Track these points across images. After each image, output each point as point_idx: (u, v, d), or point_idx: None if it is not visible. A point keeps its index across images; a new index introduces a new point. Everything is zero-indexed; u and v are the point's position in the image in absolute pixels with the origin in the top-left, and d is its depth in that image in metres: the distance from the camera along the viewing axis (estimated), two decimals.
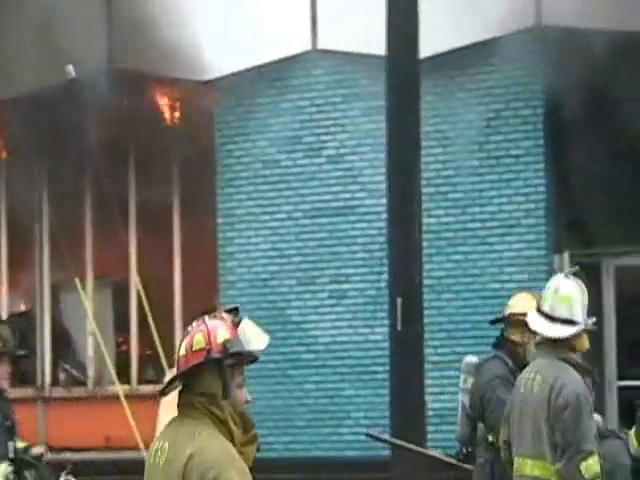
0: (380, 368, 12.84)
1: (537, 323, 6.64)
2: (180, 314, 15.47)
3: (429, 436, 11.43)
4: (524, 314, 7.94)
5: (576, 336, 6.44)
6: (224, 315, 4.89)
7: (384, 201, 11.51)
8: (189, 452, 4.51)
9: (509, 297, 13.35)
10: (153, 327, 14.29)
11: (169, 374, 13.73)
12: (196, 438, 4.55)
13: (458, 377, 13.32)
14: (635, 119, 12.27)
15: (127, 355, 15.71)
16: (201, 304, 15.59)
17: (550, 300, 6.61)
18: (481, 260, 13.73)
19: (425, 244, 11.67)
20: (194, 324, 4.74)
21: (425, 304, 11.63)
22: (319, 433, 14.42)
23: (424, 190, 11.49)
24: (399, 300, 11.61)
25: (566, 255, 13.74)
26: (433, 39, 12.40)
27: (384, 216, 11.60)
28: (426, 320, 11.67)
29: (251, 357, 4.80)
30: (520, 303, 8.68)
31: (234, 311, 4.83)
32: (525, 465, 6.36)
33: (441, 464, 10.04)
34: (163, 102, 14.76)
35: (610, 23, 12.50)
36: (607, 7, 12.74)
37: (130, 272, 15.33)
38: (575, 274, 6.79)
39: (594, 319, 6.70)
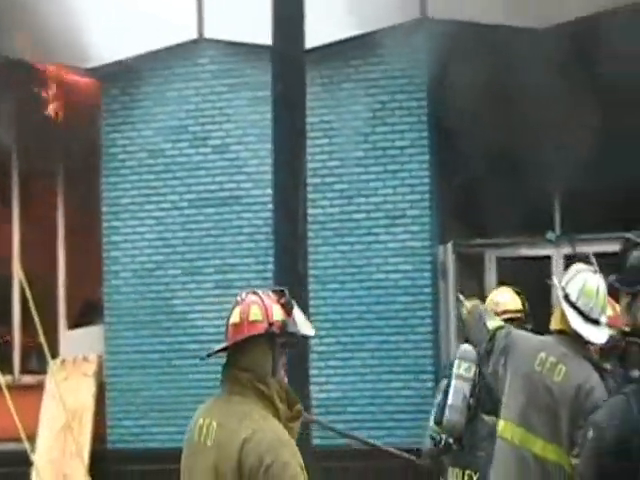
0: None
1: (577, 323, 6.53)
2: (64, 304, 15.26)
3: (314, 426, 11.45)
4: (518, 310, 8.14)
5: None
6: (270, 294, 4.85)
7: (270, 191, 11.49)
8: (243, 436, 4.47)
9: (394, 287, 13.71)
10: (36, 317, 14.08)
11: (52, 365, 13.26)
12: (247, 419, 4.50)
13: (342, 367, 13.46)
14: (519, 111, 12.47)
15: (10, 346, 15.47)
16: (85, 294, 15.62)
17: (594, 300, 6.51)
18: (366, 251, 13.74)
19: (311, 235, 11.67)
20: (243, 294, 4.63)
21: (310, 294, 11.60)
22: None
23: (310, 181, 11.50)
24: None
25: (450, 246, 13.83)
26: (319, 30, 12.44)
27: (270, 206, 11.58)
28: (311, 310, 11.57)
29: (298, 341, 4.80)
30: (514, 300, 8.58)
31: (281, 292, 4.76)
32: (534, 442, 6.28)
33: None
34: (46, 90, 14.58)
35: (496, 17, 12.69)
36: (493, 1, 12.97)
37: (13, 263, 15.18)
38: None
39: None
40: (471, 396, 7.61)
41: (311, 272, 11.54)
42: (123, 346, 14.43)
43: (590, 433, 4.99)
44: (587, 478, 5.03)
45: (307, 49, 11.45)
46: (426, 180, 13.39)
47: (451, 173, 13.62)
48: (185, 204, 13.63)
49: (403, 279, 13.80)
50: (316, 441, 11.27)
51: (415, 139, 13.08)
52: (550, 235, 13.72)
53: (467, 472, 7.71)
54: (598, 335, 6.48)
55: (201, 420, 4.68)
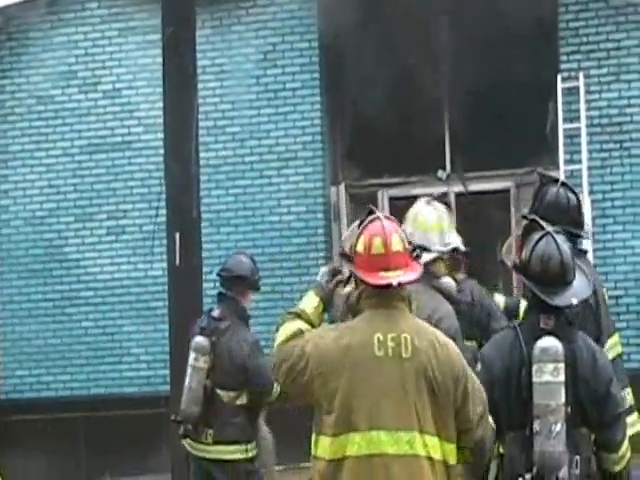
0: (160, 303, 12.37)
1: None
2: None
3: None
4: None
5: (432, 262, 6.14)
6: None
7: (161, 136, 11.00)
8: (447, 345, 4.58)
9: (288, 229, 13.41)
10: None
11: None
12: (431, 331, 4.60)
13: None
14: (408, 51, 12.21)
15: None
16: None
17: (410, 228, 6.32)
18: (259, 193, 13.43)
19: (203, 178, 11.21)
20: (387, 221, 4.53)
21: (204, 238, 11.18)
22: (98, 370, 13.95)
23: (202, 124, 11.10)
24: (177, 235, 11.05)
25: (342, 187, 13.52)
26: None
27: (161, 151, 11.10)
28: (205, 254, 11.22)
29: None
30: None
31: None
32: None
33: None
34: None
35: None
36: None
37: None
38: (436, 199, 6.43)
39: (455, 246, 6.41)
40: None
41: (204, 216, 11.20)
42: (15, 295, 13.91)
43: (479, 366, 5.07)
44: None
45: None
46: (317, 121, 13.08)
47: (343, 115, 13.31)
48: (76, 150, 13.17)
49: (296, 221, 13.48)
50: None
51: (306, 80, 12.79)
52: (441, 174, 13.50)
53: None
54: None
55: (379, 335, 4.57)
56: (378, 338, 4.56)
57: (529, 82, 12.59)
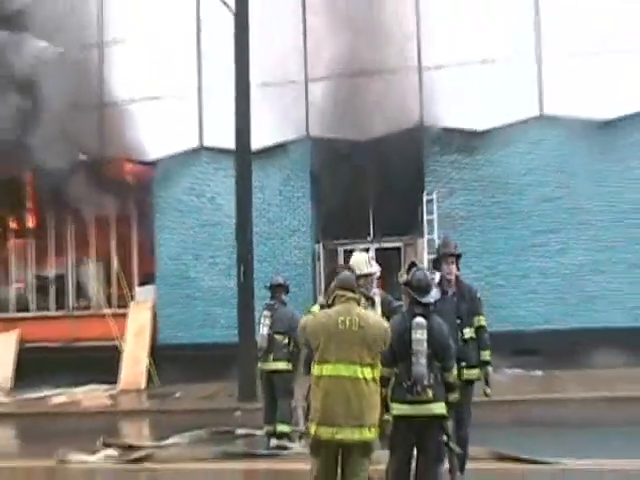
0: (235, 296, 17.08)
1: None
2: (137, 273, 21.19)
3: None
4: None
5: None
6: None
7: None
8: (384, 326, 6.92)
9: (294, 266, 18.60)
10: (123, 281, 20.05)
11: (132, 303, 18.11)
12: (369, 315, 7.04)
13: None
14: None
15: (110, 295, 21.16)
16: (145, 268, 21.07)
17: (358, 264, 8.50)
18: (280, 247, 19.31)
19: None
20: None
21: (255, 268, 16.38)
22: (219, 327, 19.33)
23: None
24: (242, 266, 16.43)
25: (321, 245, 18.89)
26: None
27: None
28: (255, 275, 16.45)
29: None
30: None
31: None
32: None
33: None
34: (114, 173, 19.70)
35: None
36: None
37: (111, 252, 20.34)
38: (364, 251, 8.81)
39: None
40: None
41: (256, 259, 16.95)
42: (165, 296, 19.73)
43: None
44: (385, 357, 7.33)
45: None
46: (308, 206, 18.39)
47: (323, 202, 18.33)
48: None
49: (298, 261, 18.85)
50: None
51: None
52: (368, 238, 19.37)
53: None
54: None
55: (340, 317, 6.90)
56: (341, 319, 7.06)
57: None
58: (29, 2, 19.39)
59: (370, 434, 7.04)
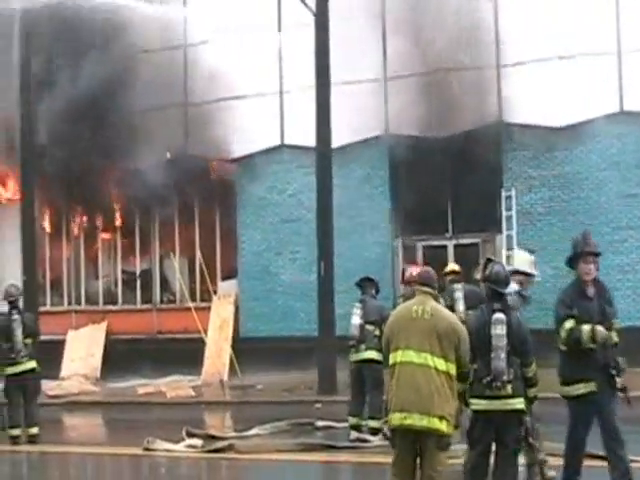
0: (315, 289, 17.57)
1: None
2: (219, 268, 21.72)
3: None
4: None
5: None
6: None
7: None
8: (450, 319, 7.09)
9: (374, 262, 18.88)
10: (207, 276, 20.66)
11: (215, 298, 18.84)
12: (441, 309, 7.25)
13: None
14: None
15: (194, 289, 21.78)
16: (229, 263, 21.39)
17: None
18: (359, 246, 19.47)
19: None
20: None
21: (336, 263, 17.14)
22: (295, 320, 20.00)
23: None
24: (322, 263, 16.94)
25: (400, 240, 19.36)
26: None
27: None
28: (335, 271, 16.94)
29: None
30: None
31: None
32: None
33: None
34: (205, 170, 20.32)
35: None
36: None
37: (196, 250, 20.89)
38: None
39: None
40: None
41: (337, 257, 17.60)
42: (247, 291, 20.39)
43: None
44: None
45: None
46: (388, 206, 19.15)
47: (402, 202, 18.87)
48: None
49: (378, 256, 19.36)
50: None
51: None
52: (447, 234, 19.53)
53: None
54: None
55: (414, 307, 7.15)
56: (414, 309, 7.26)
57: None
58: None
59: (441, 425, 6.98)
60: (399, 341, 7.16)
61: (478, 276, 8.21)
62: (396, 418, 7.07)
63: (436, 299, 7.35)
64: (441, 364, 7.02)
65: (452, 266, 13.79)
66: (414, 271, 9.77)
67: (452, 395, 7.06)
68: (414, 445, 7.13)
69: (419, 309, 7.17)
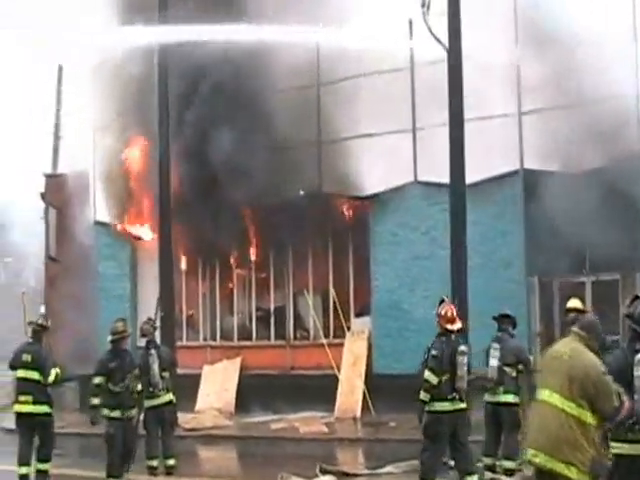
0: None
1: None
2: (353, 306, 21.86)
3: None
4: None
5: None
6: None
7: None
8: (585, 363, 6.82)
9: (509, 299, 17.90)
10: (341, 313, 20.85)
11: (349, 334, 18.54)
12: (582, 352, 6.99)
13: None
14: None
15: (328, 327, 21.78)
16: (362, 300, 21.42)
17: None
18: (495, 284, 19.08)
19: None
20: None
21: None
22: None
23: None
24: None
25: (536, 278, 19.29)
26: None
27: None
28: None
29: None
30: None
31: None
32: None
33: None
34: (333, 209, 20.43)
35: None
36: None
37: (330, 288, 21.21)
38: None
39: None
40: None
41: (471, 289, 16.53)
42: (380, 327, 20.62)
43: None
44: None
45: None
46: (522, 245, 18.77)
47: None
48: None
49: (514, 292, 19.03)
50: None
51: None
52: (584, 272, 18.93)
53: None
54: None
55: (558, 348, 7.06)
56: (558, 348, 7.22)
57: None
58: None
59: (568, 472, 6.74)
60: (542, 379, 7.16)
61: (624, 311, 7.52)
62: (528, 454, 7.07)
63: (587, 343, 7.11)
64: (571, 407, 6.83)
65: (574, 302, 12.66)
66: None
67: (586, 442, 6.76)
68: None
69: (562, 349, 7.14)
